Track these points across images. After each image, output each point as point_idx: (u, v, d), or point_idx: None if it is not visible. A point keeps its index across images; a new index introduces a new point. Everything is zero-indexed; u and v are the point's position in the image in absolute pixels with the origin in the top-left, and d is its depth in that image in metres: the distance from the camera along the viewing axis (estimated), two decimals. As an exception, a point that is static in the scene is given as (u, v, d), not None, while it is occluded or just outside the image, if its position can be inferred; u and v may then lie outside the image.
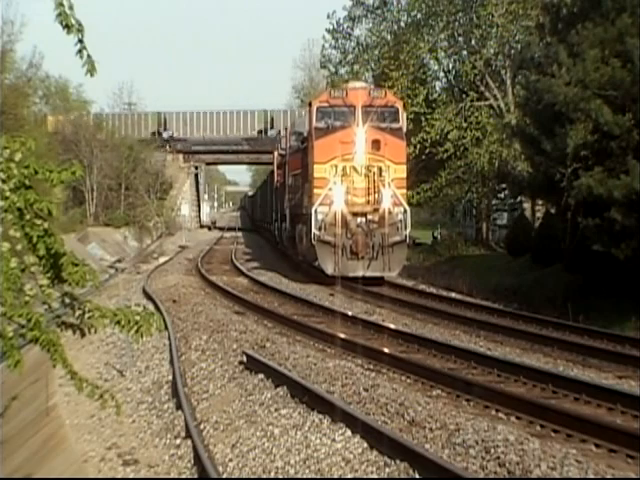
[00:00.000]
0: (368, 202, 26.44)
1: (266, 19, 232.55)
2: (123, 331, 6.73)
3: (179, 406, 11.75)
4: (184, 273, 33.13)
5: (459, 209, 51.83)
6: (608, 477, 8.27)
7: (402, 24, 42.86)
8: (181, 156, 78.16)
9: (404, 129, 28.01)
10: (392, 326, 18.29)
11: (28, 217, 6.50)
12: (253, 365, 13.62)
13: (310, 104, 28.35)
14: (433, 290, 27.22)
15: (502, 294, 25.77)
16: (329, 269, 26.28)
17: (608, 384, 12.65)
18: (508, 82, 39.88)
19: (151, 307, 20.28)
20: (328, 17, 44.64)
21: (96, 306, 6.73)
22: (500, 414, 11.16)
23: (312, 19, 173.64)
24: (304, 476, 8.76)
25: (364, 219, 26.44)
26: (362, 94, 27.15)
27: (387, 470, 8.56)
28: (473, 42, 40.59)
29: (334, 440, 9.51)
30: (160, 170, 71.70)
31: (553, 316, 20.18)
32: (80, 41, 6.15)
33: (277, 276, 30.91)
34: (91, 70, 6.25)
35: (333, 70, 46.63)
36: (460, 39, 41.46)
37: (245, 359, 14.11)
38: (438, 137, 39.46)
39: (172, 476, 9.34)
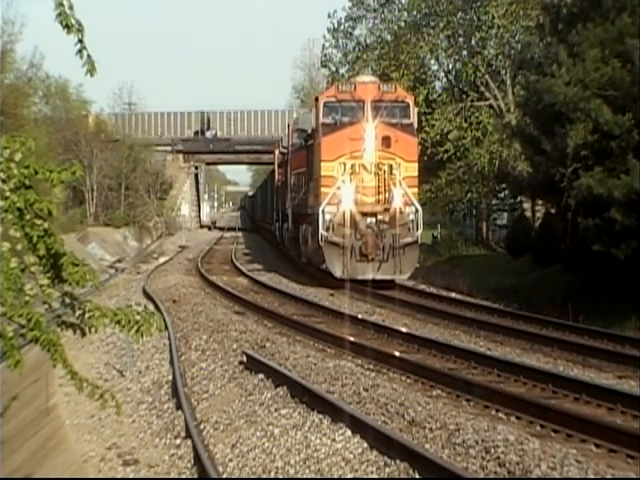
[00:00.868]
0: (378, 201, 25.44)
1: (266, 19, 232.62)
2: (123, 331, 6.74)
3: (179, 406, 11.75)
4: (184, 273, 33.14)
5: (459, 209, 51.80)
6: (608, 477, 8.27)
7: (402, 24, 42.82)
8: (181, 156, 78.19)
9: (415, 125, 27.07)
10: (392, 326, 18.29)
11: (28, 217, 6.50)
12: (253, 365, 13.61)
13: (317, 99, 27.29)
14: (433, 290, 27.19)
15: (502, 294, 25.75)
16: (337, 272, 25.27)
17: (608, 384, 12.65)
18: (508, 82, 39.88)
19: (151, 307, 20.28)
20: (329, 16, 44.65)
21: (96, 306, 6.73)
22: (500, 414, 11.16)
23: (312, 19, 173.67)
24: (304, 476, 8.76)
25: (374, 219, 25.40)
26: (371, 88, 26.18)
27: (387, 470, 8.56)
28: (473, 42, 40.59)
29: (334, 440, 9.51)
30: (160, 170, 71.76)
31: (553, 316, 20.17)
32: (80, 41, 6.15)
33: (277, 276, 30.90)
34: (91, 70, 6.25)
35: (334, 69, 46.61)
36: (460, 39, 41.44)
37: (245, 359, 14.11)
38: (438, 137, 39.44)
39: (172, 476, 9.34)
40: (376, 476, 8.53)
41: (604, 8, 22.10)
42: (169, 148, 76.03)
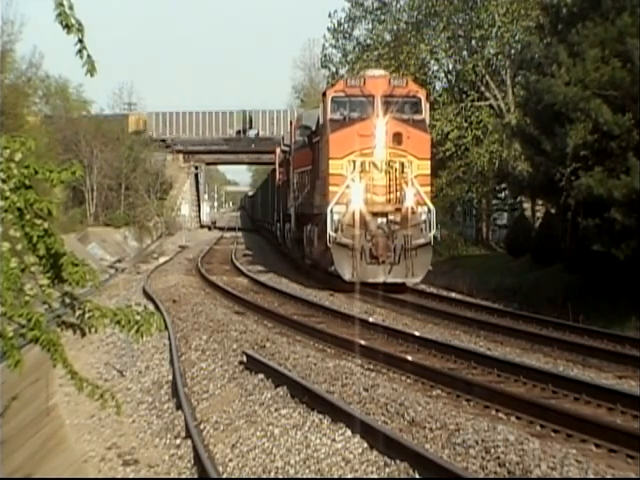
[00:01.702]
0: (389, 201, 24.37)
1: (266, 19, 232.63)
2: (123, 331, 6.74)
3: (179, 406, 11.75)
4: (184, 273, 33.14)
5: (459, 209, 51.77)
6: (608, 477, 8.27)
7: (402, 24, 42.82)
8: (181, 156, 78.19)
9: (427, 121, 26.07)
10: (392, 326, 18.29)
11: (28, 217, 6.50)
12: (253, 365, 13.61)
13: (324, 94, 26.19)
14: (433, 290, 27.17)
15: (502, 294, 25.75)
16: (347, 275, 24.10)
17: (608, 384, 12.65)
18: (508, 82, 39.87)
19: (151, 307, 20.28)
20: (329, 16, 44.65)
21: (96, 306, 6.74)
22: (500, 414, 11.16)
23: (312, 19, 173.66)
24: (304, 476, 8.76)
25: (385, 220, 24.28)
26: (381, 83, 25.04)
27: (387, 470, 8.56)
28: (473, 42, 40.58)
29: (334, 440, 9.51)
30: (160, 170, 71.78)
31: (553, 316, 20.18)
32: (80, 41, 6.15)
33: (277, 276, 30.89)
34: (91, 70, 6.25)
35: (334, 70, 46.61)
36: (460, 39, 41.43)
37: (245, 359, 14.11)
38: (439, 137, 39.42)
39: (172, 476, 9.34)
40: (376, 476, 8.53)
41: (604, 8, 22.11)
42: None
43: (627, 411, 11.05)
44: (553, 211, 29.47)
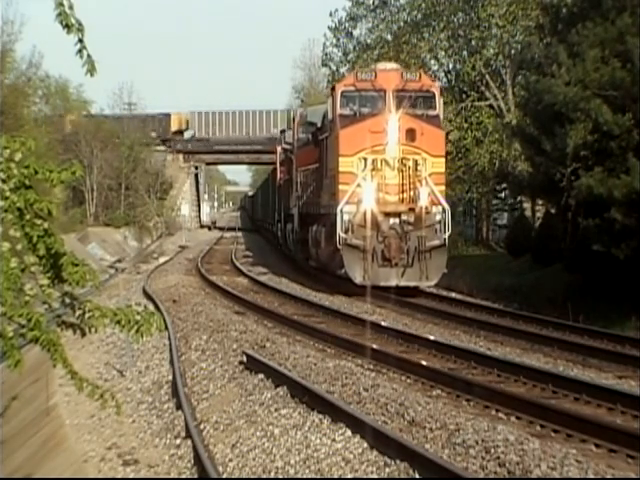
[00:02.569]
0: (402, 200, 23.23)
1: (266, 19, 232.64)
2: (123, 331, 6.74)
3: (179, 406, 11.75)
4: (184, 273, 33.12)
5: (460, 209, 51.78)
6: (608, 477, 8.27)
7: (402, 24, 42.83)
8: (181, 156, 78.21)
9: (442, 117, 24.94)
10: (392, 326, 18.28)
11: (28, 217, 6.51)
12: (253, 365, 13.61)
13: (334, 88, 24.85)
14: (433, 290, 27.14)
15: (502, 294, 25.74)
16: (358, 278, 22.99)
17: (608, 384, 12.64)
18: (508, 82, 39.88)
19: (151, 307, 20.28)
20: (330, 15, 44.68)
21: (96, 306, 6.74)
22: (500, 414, 11.15)
23: (312, 19, 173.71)
24: (304, 476, 8.76)
25: (398, 220, 23.19)
26: (394, 77, 23.86)
27: (387, 470, 8.56)
28: (473, 42, 40.59)
29: (334, 440, 9.51)
30: (160, 170, 71.81)
31: (553, 316, 20.17)
32: (80, 41, 6.15)
33: (277, 276, 30.88)
34: (91, 70, 6.25)
35: (334, 69, 46.61)
36: (460, 39, 41.45)
37: (245, 359, 14.11)
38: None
39: (172, 476, 9.34)
40: (376, 476, 8.53)
41: (604, 8, 22.13)
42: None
43: (627, 411, 11.05)
44: (553, 211, 29.48)
